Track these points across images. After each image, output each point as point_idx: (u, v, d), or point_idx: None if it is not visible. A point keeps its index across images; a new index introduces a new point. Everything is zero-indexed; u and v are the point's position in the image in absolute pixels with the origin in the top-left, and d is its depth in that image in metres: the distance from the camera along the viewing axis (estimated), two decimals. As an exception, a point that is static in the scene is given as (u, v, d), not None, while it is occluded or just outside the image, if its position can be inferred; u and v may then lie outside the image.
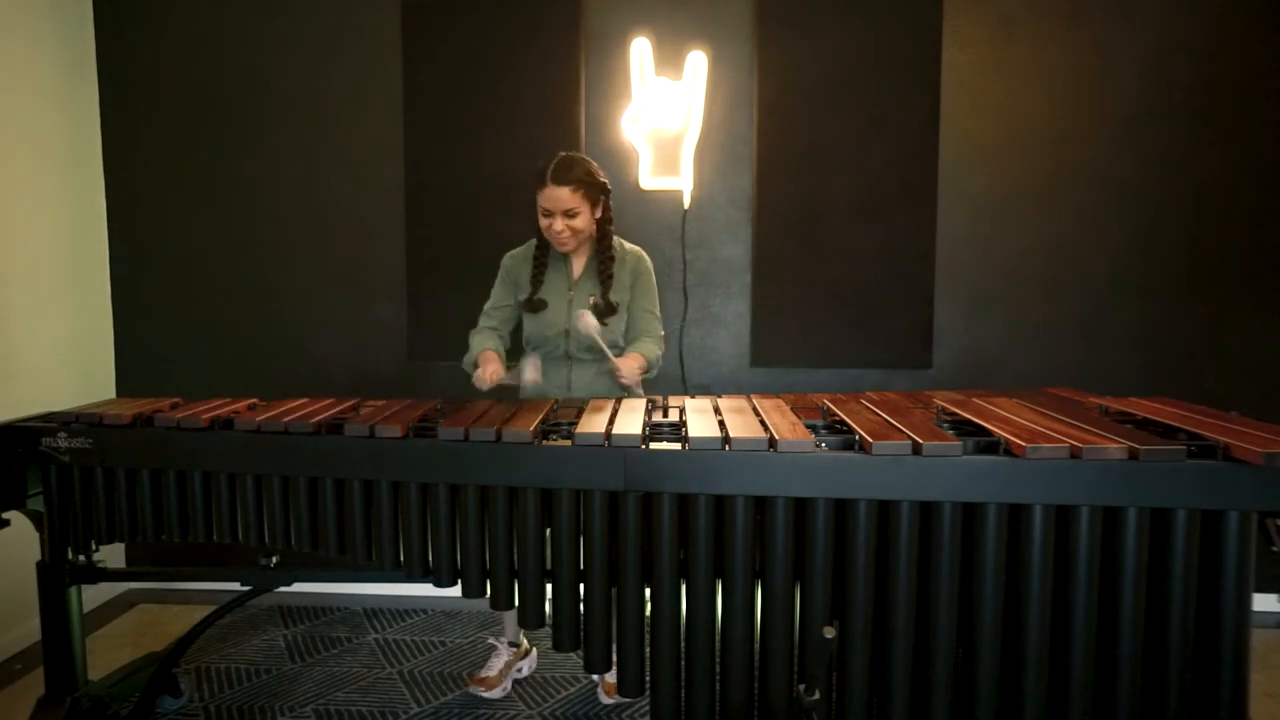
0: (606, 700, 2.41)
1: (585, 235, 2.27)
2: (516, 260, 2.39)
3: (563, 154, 2.21)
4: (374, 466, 1.72)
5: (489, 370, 2.18)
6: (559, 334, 2.29)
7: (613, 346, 2.24)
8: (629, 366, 2.19)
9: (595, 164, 2.26)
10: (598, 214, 2.27)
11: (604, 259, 2.30)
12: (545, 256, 2.33)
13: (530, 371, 2.26)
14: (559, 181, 2.16)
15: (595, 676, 2.47)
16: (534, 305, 2.31)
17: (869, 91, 2.90)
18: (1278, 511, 1.39)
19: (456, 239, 3.02)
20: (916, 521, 1.47)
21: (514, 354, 2.43)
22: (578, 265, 2.34)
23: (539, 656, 2.62)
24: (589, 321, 2.18)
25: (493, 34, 2.96)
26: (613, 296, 2.29)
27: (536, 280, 2.32)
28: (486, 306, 2.41)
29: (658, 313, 2.39)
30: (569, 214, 2.19)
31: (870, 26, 2.88)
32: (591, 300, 2.27)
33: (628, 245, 2.38)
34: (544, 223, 2.22)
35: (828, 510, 1.50)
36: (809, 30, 2.90)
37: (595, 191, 2.23)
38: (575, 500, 1.63)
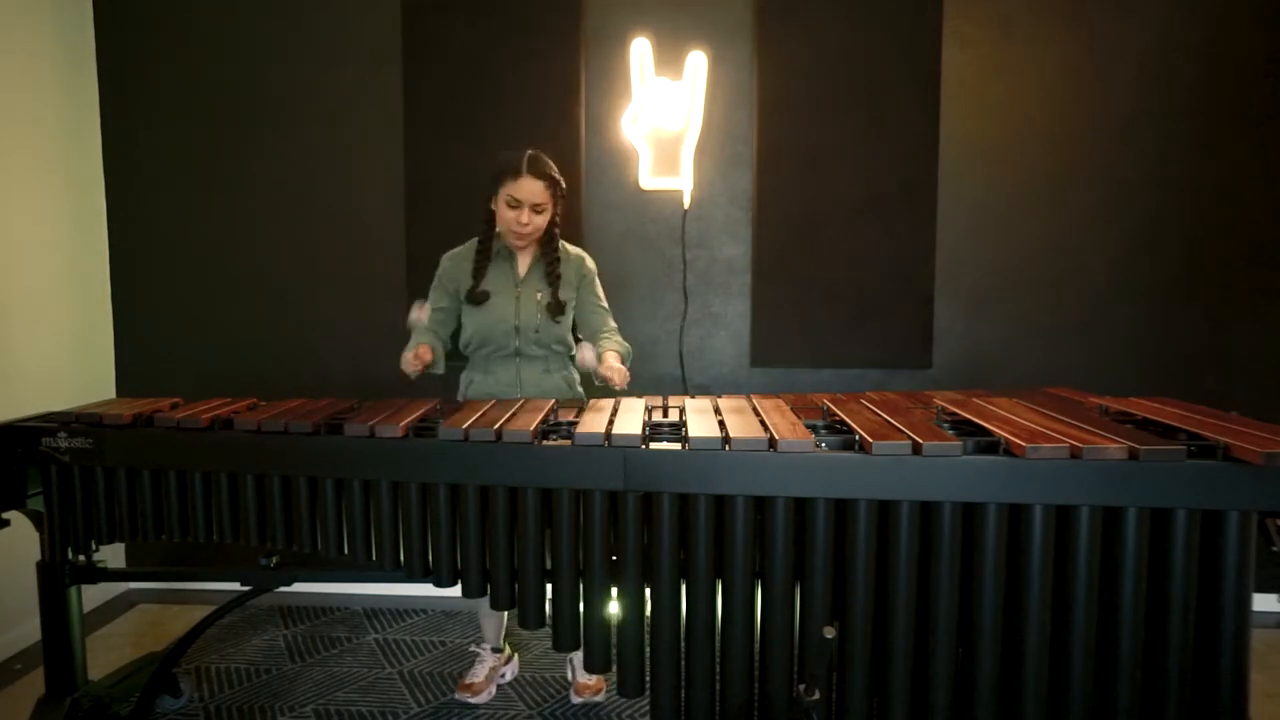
0: (576, 699, 2.40)
1: (539, 234, 2.27)
2: (456, 260, 2.34)
3: (531, 150, 2.20)
4: (374, 466, 1.72)
5: (416, 352, 2.13)
6: (508, 330, 2.27)
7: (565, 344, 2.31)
8: (619, 370, 2.16)
9: None
10: (555, 214, 2.28)
11: (551, 259, 2.30)
12: (488, 253, 2.31)
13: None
14: (536, 174, 2.17)
15: (569, 677, 2.48)
16: (477, 297, 2.26)
17: (869, 91, 2.90)
18: (1278, 511, 1.39)
19: (457, 239, 3.01)
20: (916, 521, 1.47)
21: (453, 357, 2.40)
22: (523, 263, 2.33)
23: (539, 656, 2.62)
24: (589, 357, 2.23)
25: (493, 34, 2.96)
26: (561, 295, 2.29)
27: (479, 274, 2.30)
28: None
29: (607, 306, 2.41)
30: (537, 208, 2.20)
31: (870, 26, 2.88)
32: (539, 297, 2.27)
33: (570, 247, 2.39)
34: (509, 215, 2.20)
35: (828, 510, 1.50)
36: (809, 30, 2.90)
37: (559, 191, 2.24)
38: (575, 500, 1.63)
